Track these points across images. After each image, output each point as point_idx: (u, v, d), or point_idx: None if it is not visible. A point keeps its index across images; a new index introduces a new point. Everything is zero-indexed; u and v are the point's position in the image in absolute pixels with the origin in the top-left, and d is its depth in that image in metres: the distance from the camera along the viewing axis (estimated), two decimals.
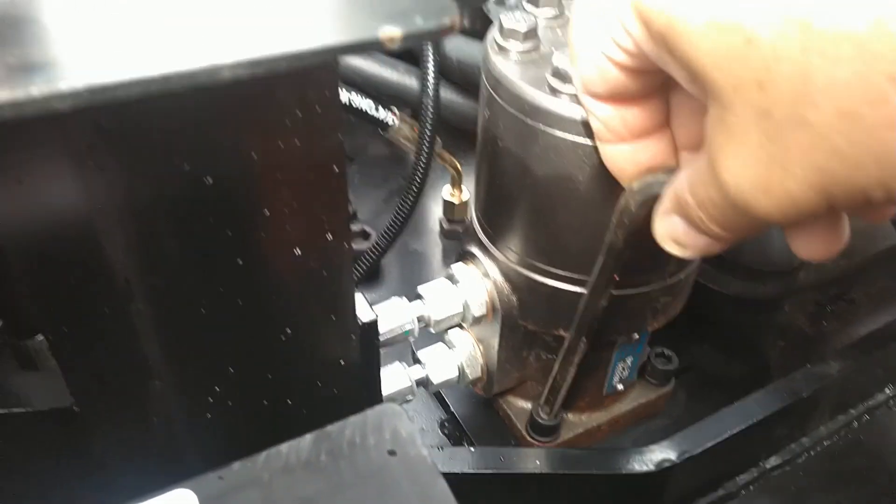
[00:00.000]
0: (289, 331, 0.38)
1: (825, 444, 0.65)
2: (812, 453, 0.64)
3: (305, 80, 0.29)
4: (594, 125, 0.38)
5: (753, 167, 0.28)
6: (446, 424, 0.65)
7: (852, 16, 0.23)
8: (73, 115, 0.18)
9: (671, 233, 0.36)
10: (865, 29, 0.23)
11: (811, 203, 0.27)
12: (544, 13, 0.48)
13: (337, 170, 0.33)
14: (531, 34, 0.45)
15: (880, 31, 0.23)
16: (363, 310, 0.42)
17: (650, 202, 0.38)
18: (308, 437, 0.30)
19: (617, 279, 0.47)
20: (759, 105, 0.26)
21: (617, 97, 0.36)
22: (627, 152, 0.38)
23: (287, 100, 0.30)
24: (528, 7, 0.48)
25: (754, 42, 0.25)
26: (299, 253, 0.35)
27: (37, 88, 0.16)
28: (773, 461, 0.63)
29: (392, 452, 0.29)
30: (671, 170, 0.36)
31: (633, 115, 0.36)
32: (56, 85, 0.16)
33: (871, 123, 0.24)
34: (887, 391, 0.70)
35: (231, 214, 0.33)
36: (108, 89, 0.17)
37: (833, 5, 0.23)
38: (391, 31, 0.21)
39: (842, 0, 0.23)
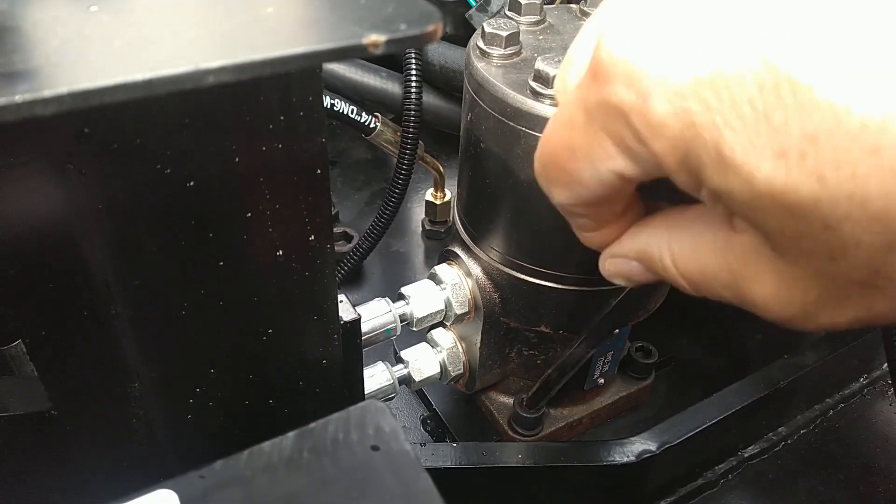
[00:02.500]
0: (271, 331, 0.39)
1: (802, 432, 0.67)
2: (789, 442, 0.66)
3: (289, 85, 0.30)
4: (577, 224, 0.35)
5: (799, 307, 0.27)
6: (429, 421, 0.66)
7: None
8: (55, 121, 0.18)
9: (625, 273, 0.35)
10: None
11: (851, 326, 0.27)
12: (526, 19, 0.49)
13: (319, 173, 0.34)
14: (513, 39, 0.46)
15: None
16: (345, 310, 0.43)
17: None
18: (290, 435, 0.30)
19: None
20: (825, 270, 0.25)
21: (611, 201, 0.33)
22: (613, 229, 0.35)
23: (270, 104, 0.30)
24: (510, 14, 0.49)
25: (833, 230, 0.23)
26: (281, 254, 0.36)
27: (20, 95, 0.16)
28: (751, 450, 0.65)
29: (375, 448, 0.29)
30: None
31: (621, 204, 0.33)
32: (39, 91, 0.17)
33: None
34: (861, 381, 0.72)
35: (213, 217, 0.33)
36: (92, 94, 0.17)
37: None
38: (375, 37, 0.21)
39: None
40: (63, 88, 0.17)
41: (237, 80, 0.19)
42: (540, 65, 0.42)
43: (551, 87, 0.42)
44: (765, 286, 0.27)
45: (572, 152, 0.29)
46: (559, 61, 0.43)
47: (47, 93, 0.17)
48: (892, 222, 0.22)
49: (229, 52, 0.19)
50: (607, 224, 0.34)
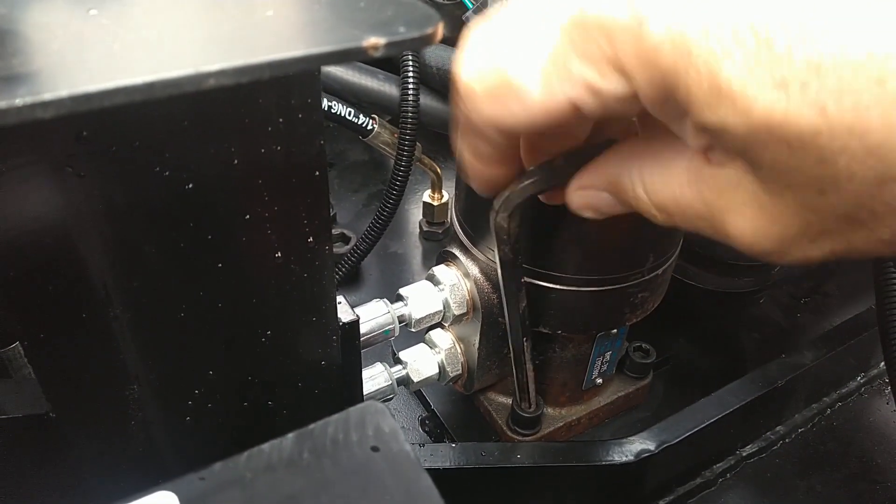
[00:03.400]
0: (269, 333, 0.39)
1: (800, 431, 0.67)
2: (787, 441, 0.66)
3: (288, 88, 0.30)
4: (478, 147, 0.32)
5: (776, 240, 0.27)
6: (427, 422, 0.66)
7: None
8: (54, 123, 0.18)
9: (595, 205, 0.33)
10: None
11: (822, 260, 0.27)
12: None
13: (318, 175, 0.34)
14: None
15: None
16: (344, 311, 0.43)
17: (517, 210, 0.38)
18: (290, 436, 0.30)
19: (524, 283, 0.48)
20: (810, 204, 0.24)
21: (537, 136, 0.31)
22: (509, 170, 0.34)
23: (269, 107, 0.30)
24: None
25: (828, 163, 0.23)
26: (280, 256, 0.36)
27: (20, 98, 0.16)
28: (749, 449, 0.65)
29: (375, 449, 0.29)
30: (591, 153, 0.33)
31: (548, 146, 0.32)
32: (40, 94, 0.17)
33: None
34: (859, 379, 0.72)
35: (211, 219, 0.33)
36: (92, 97, 0.17)
37: None
38: (375, 40, 0.21)
39: None
40: (63, 92, 0.17)
41: (237, 83, 0.19)
42: None
43: None
44: (743, 218, 0.27)
45: (528, 69, 0.26)
46: None
47: (47, 96, 0.17)
48: (889, 155, 0.22)
49: (229, 55, 0.19)
50: (506, 162, 0.33)
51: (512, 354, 0.54)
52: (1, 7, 0.21)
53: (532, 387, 0.57)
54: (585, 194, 0.33)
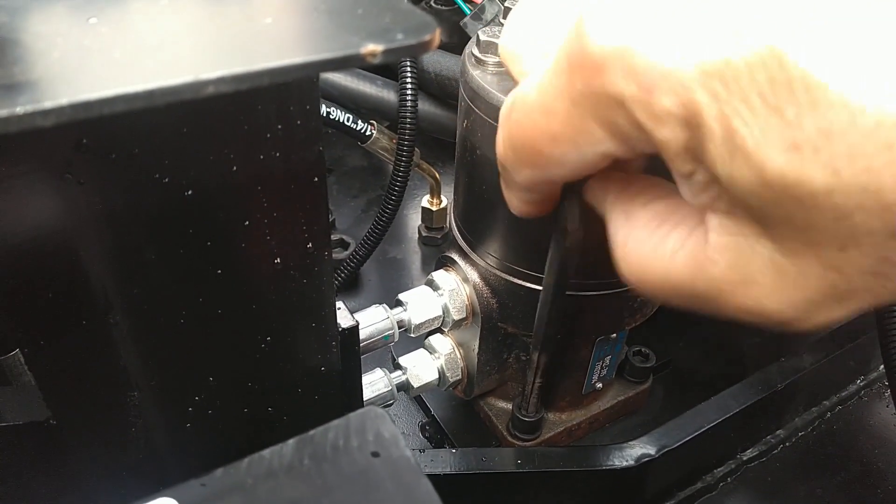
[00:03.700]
0: (269, 339, 0.39)
1: (800, 435, 0.67)
2: (787, 444, 0.66)
3: (286, 95, 0.30)
4: (522, 198, 0.34)
5: (800, 306, 0.26)
6: (427, 427, 0.66)
7: None
8: (54, 131, 0.18)
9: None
10: None
11: (845, 320, 0.27)
12: None
13: (317, 181, 0.34)
14: None
15: None
16: (343, 316, 0.43)
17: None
18: (291, 442, 0.30)
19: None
20: (832, 262, 0.24)
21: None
22: (539, 209, 0.36)
23: (268, 114, 0.30)
24: (505, 22, 0.50)
25: (845, 220, 0.23)
26: (279, 262, 0.36)
27: (21, 107, 0.17)
28: (749, 453, 0.65)
29: (375, 454, 0.29)
30: None
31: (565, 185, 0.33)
32: (40, 102, 0.17)
33: None
34: (859, 382, 0.72)
35: (211, 225, 0.33)
36: (92, 105, 0.17)
37: None
38: (372, 47, 0.21)
39: None
40: (64, 100, 0.17)
41: (236, 91, 0.19)
42: None
43: None
44: (762, 289, 0.26)
45: (553, 138, 0.28)
46: None
47: (48, 104, 0.17)
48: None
49: (228, 63, 0.19)
50: (551, 199, 0.34)
51: (534, 363, 0.54)
52: (2, 16, 0.21)
53: (539, 395, 0.57)
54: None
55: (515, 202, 0.35)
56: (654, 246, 0.29)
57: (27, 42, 0.20)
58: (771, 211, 0.24)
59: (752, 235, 0.26)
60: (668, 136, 0.25)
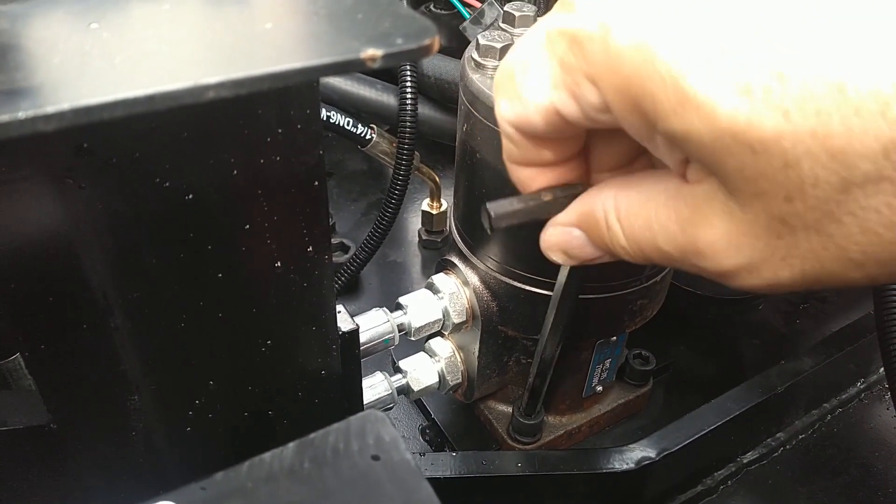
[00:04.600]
0: (269, 342, 0.39)
1: (800, 437, 0.67)
2: (788, 447, 0.66)
3: (287, 99, 0.30)
4: (506, 146, 0.35)
5: (746, 253, 0.27)
6: (427, 431, 0.66)
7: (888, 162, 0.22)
8: (55, 136, 0.18)
9: (564, 244, 0.34)
10: None
11: (793, 286, 0.27)
12: (520, 31, 0.50)
13: (317, 185, 0.34)
14: (507, 51, 0.46)
15: None
16: (343, 320, 0.43)
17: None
18: (291, 446, 0.30)
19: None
20: (778, 212, 0.25)
21: (544, 139, 0.32)
22: (536, 173, 0.35)
23: (268, 118, 0.30)
24: (504, 26, 0.50)
25: (792, 167, 0.23)
26: (280, 265, 0.36)
27: (23, 111, 0.17)
28: (750, 456, 0.65)
29: (376, 458, 0.29)
30: (575, 191, 0.34)
31: (553, 150, 0.33)
32: (42, 107, 0.17)
33: (890, 240, 0.24)
34: (859, 385, 0.72)
35: (211, 229, 0.33)
36: (93, 110, 0.17)
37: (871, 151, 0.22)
38: (372, 52, 0.22)
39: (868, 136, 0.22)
40: (65, 104, 0.17)
41: (236, 95, 0.19)
42: None
43: None
44: (714, 230, 0.27)
45: (524, 67, 0.30)
46: None
47: (49, 109, 0.17)
48: (850, 160, 0.22)
49: (229, 68, 0.19)
50: (532, 164, 0.34)
51: (538, 364, 0.53)
52: (3, 22, 0.22)
53: (543, 396, 0.57)
54: (556, 232, 0.35)
55: (503, 154, 0.35)
56: (640, 198, 0.30)
57: (29, 47, 0.20)
58: (725, 160, 0.25)
59: (714, 184, 0.27)
60: (619, 84, 0.26)
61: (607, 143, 0.34)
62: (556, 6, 0.28)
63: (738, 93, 0.23)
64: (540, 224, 0.37)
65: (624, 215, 0.31)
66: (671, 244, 0.29)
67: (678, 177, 0.29)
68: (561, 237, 0.34)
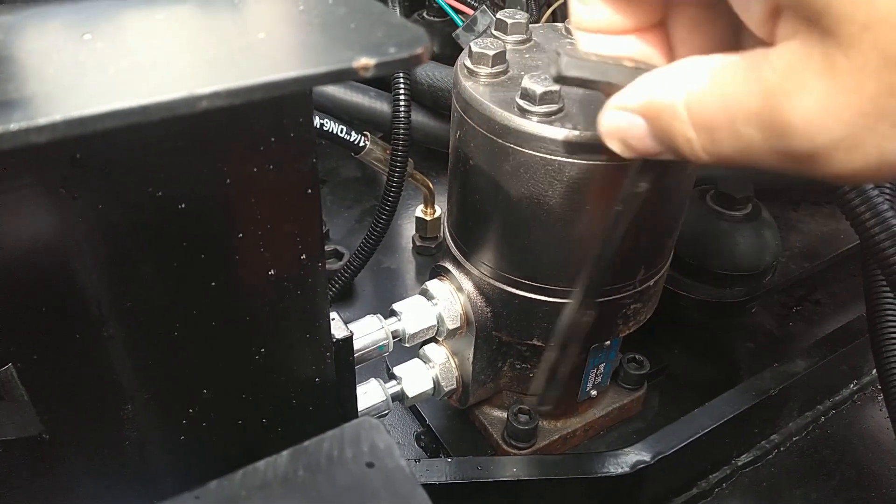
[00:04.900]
0: (263, 350, 0.39)
1: (794, 439, 0.67)
2: (782, 449, 0.66)
3: (280, 108, 0.30)
4: (573, 7, 0.32)
5: (847, 120, 0.23)
6: (422, 437, 0.66)
7: None
8: (49, 147, 0.18)
9: (623, 131, 0.31)
10: None
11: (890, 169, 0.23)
12: (512, 38, 0.50)
13: (310, 192, 0.34)
14: (500, 58, 0.47)
15: None
16: (337, 327, 0.43)
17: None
18: (285, 454, 0.30)
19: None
20: (890, 51, 0.21)
21: None
22: (606, 42, 0.32)
23: (262, 127, 0.30)
24: (497, 33, 0.50)
25: None
26: (273, 273, 0.36)
27: (15, 123, 0.17)
28: (744, 458, 0.65)
29: (370, 465, 0.30)
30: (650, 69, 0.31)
31: (626, 12, 0.30)
32: (34, 119, 0.17)
33: None
34: (852, 386, 0.72)
35: (205, 238, 0.33)
36: (86, 121, 0.18)
37: None
38: (365, 61, 0.22)
39: None
40: (57, 116, 0.17)
41: (230, 105, 0.19)
42: (527, 83, 0.43)
43: (538, 105, 0.43)
44: (809, 96, 0.23)
45: None
46: (546, 79, 0.44)
47: (42, 120, 0.17)
48: None
49: (222, 78, 0.20)
50: (601, 30, 0.31)
51: (569, 329, 0.50)
52: None
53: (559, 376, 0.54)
54: (616, 115, 0.31)
55: (581, 36, 0.32)
56: (715, 75, 0.27)
57: (22, 58, 0.20)
58: (832, 5, 0.22)
59: (813, 37, 0.23)
60: None
61: (688, 21, 0.30)
62: None
63: None
64: (542, 233, 0.37)
65: (694, 100, 0.27)
66: (753, 123, 0.25)
67: (760, 42, 0.26)
68: (621, 122, 0.31)
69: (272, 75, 0.20)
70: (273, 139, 0.31)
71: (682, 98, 0.28)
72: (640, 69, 0.31)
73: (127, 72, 0.20)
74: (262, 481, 0.29)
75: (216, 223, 0.33)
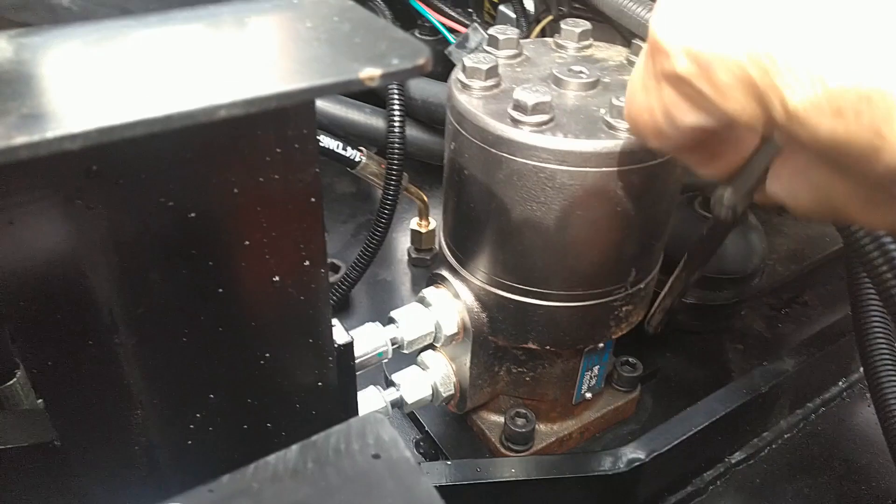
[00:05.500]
0: (268, 355, 0.40)
1: (786, 437, 0.69)
2: (774, 446, 0.68)
3: (285, 120, 0.32)
4: (687, 160, 0.38)
5: None
6: (421, 444, 0.67)
7: None
8: (68, 159, 0.20)
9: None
10: None
11: None
12: (503, 53, 0.52)
13: (313, 201, 0.36)
14: (492, 72, 0.49)
15: None
16: (339, 333, 0.44)
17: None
18: (294, 448, 0.31)
19: None
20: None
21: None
22: (716, 168, 0.39)
23: (268, 139, 0.32)
24: (489, 48, 0.53)
25: None
26: (278, 279, 0.37)
27: (51, 132, 0.18)
28: (737, 456, 0.66)
29: (376, 456, 0.31)
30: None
31: (709, 149, 0.36)
32: (69, 128, 0.19)
33: None
34: (840, 384, 0.74)
35: (213, 246, 0.34)
36: (115, 130, 0.19)
37: None
38: (371, 72, 0.23)
39: None
40: (90, 124, 0.19)
41: (246, 113, 0.21)
42: (519, 94, 0.45)
43: (529, 115, 0.45)
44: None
45: (651, 112, 0.34)
46: (536, 91, 0.45)
47: (76, 129, 0.19)
48: None
49: (239, 89, 0.21)
50: (717, 158, 0.37)
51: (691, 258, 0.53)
52: (25, 53, 0.23)
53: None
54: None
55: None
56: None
57: (50, 75, 0.22)
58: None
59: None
60: (737, 106, 0.29)
61: None
62: (649, 51, 0.32)
63: (832, 115, 0.26)
64: (535, 238, 0.39)
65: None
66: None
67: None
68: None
69: (284, 86, 0.22)
70: (278, 150, 0.32)
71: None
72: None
73: (149, 84, 0.22)
74: (272, 474, 0.30)
75: (224, 231, 0.34)
